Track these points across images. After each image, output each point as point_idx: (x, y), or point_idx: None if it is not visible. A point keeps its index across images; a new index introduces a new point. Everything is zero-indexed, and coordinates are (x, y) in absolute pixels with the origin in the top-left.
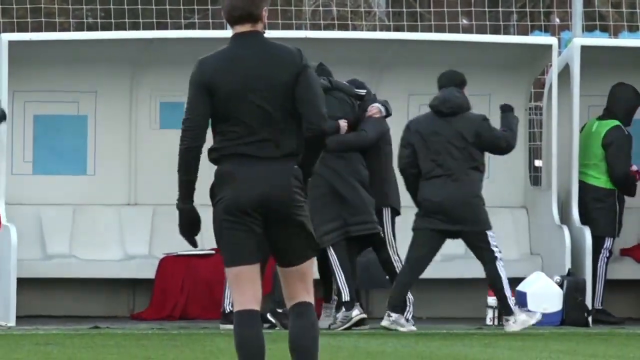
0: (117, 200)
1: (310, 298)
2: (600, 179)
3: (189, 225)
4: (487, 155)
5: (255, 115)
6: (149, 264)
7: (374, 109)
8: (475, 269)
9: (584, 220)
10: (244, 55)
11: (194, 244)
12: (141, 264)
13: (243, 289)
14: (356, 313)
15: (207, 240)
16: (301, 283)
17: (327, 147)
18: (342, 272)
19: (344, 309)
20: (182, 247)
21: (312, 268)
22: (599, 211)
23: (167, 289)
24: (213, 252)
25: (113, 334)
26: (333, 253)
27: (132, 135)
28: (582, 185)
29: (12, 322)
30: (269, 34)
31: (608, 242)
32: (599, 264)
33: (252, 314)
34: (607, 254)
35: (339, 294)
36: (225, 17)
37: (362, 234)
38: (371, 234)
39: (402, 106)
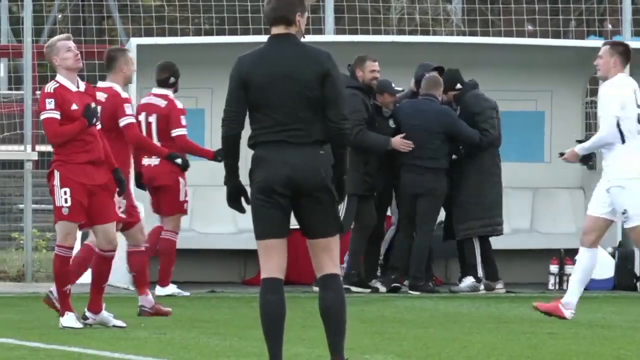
0: None
1: (336, 269)
2: None
3: (236, 196)
4: (551, 143)
5: (284, 107)
6: None
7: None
8: (539, 241)
9: None
10: (276, 53)
11: (241, 210)
12: (251, 236)
13: (270, 259)
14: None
15: None
16: (326, 254)
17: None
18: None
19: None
20: None
21: (337, 242)
22: None
23: None
24: None
25: (227, 297)
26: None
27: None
28: None
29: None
30: (362, 38)
31: None
32: None
33: (275, 282)
34: None
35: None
36: (265, 18)
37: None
38: None
39: None
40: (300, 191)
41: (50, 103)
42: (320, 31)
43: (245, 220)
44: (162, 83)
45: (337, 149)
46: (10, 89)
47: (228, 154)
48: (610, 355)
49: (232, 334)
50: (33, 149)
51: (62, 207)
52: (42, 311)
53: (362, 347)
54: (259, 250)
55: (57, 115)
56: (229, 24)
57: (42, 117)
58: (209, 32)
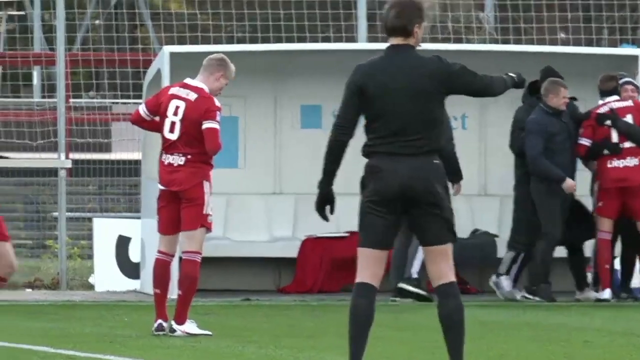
0: (265, 189)
1: (453, 276)
2: None
3: (324, 203)
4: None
5: (399, 118)
6: (292, 245)
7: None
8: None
9: None
10: (394, 64)
11: (326, 219)
12: (285, 245)
13: (368, 267)
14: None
15: (343, 224)
16: (444, 262)
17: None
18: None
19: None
20: (321, 230)
21: (451, 250)
22: None
23: (308, 267)
24: (348, 234)
25: (261, 305)
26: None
27: (277, 134)
28: None
29: (174, 295)
30: (380, 45)
31: None
32: None
33: (368, 287)
34: None
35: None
36: (383, 28)
37: None
38: None
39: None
40: (413, 202)
41: (219, 115)
42: (352, 39)
43: (280, 228)
44: None
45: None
46: (43, 97)
47: (333, 161)
48: None
49: (267, 342)
50: (67, 157)
51: (209, 215)
52: (76, 319)
53: (397, 356)
54: (359, 256)
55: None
56: (262, 32)
57: (213, 126)
58: (241, 40)
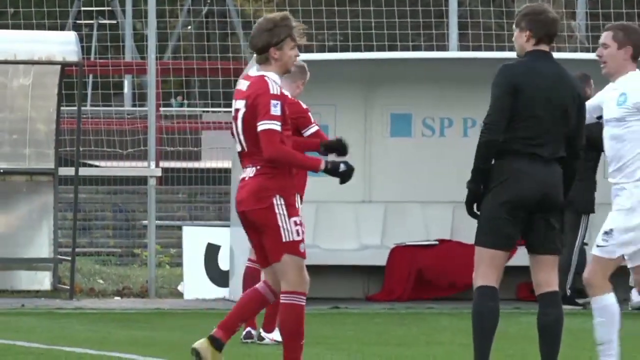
0: (354, 198)
1: (557, 286)
2: None
3: (474, 202)
4: None
5: (543, 120)
6: (381, 253)
7: None
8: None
9: None
10: (542, 68)
11: (476, 217)
12: (374, 253)
13: (493, 269)
14: None
15: (432, 232)
16: (553, 271)
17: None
18: None
19: None
20: (410, 238)
21: (557, 260)
22: None
23: (397, 275)
24: (437, 242)
25: (350, 313)
26: None
27: (367, 142)
28: None
29: None
30: (486, 54)
31: None
32: None
33: (493, 290)
34: None
35: None
36: (535, 32)
37: None
38: None
39: None
40: (543, 207)
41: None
42: (444, 47)
43: (369, 236)
44: None
45: (571, 168)
46: (134, 105)
47: (485, 161)
48: None
49: (355, 350)
50: (157, 165)
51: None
52: (165, 327)
53: None
54: (482, 257)
55: None
56: (353, 40)
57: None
58: (332, 49)
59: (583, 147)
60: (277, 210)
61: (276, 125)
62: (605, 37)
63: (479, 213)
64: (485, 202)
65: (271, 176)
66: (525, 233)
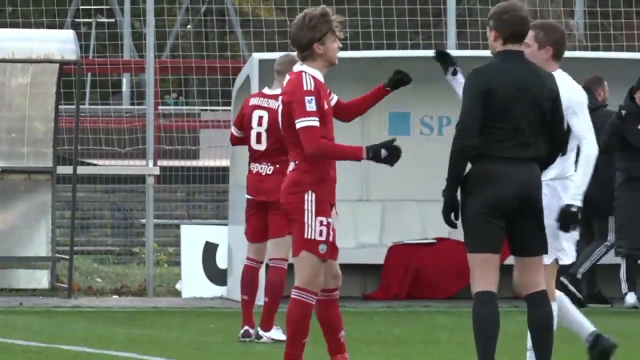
0: (352, 196)
1: (544, 285)
2: None
3: (451, 210)
4: None
5: (518, 122)
6: (378, 251)
7: None
8: None
9: None
10: (514, 69)
11: (454, 225)
12: (372, 251)
13: (487, 273)
14: None
15: (429, 230)
16: (539, 272)
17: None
18: None
19: None
20: (408, 236)
21: (543, 261)
22: None
23: (394, 273)
24: (434, 241)
25: (347, 312)
26: None
27: (365, 141)
28: None
29: (261, 302)
30: (484, 52)
31: None
32: None
33: (492, 295)
34: None
35: None
36: (501, 32)
37: None
38: None
39: None
40: (524, 209)
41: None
42: (442, 46)
43: (367, 234)
44: None
45: (548, 164)
46: (132, 104)
47: (458, 167)
48: None
49: (353, 349)
50: (155, 164)
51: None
52: (163, 326)
53: None
54: (474, 263)
55: None
56: (351, 39)
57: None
58: None
59: (565, 142)
60: (305, 206)
61: (314, 121)
62: (528, 36)
63: (457, 222)
64: (466, 208)
65: (307, 171)
66: (509, 236)
